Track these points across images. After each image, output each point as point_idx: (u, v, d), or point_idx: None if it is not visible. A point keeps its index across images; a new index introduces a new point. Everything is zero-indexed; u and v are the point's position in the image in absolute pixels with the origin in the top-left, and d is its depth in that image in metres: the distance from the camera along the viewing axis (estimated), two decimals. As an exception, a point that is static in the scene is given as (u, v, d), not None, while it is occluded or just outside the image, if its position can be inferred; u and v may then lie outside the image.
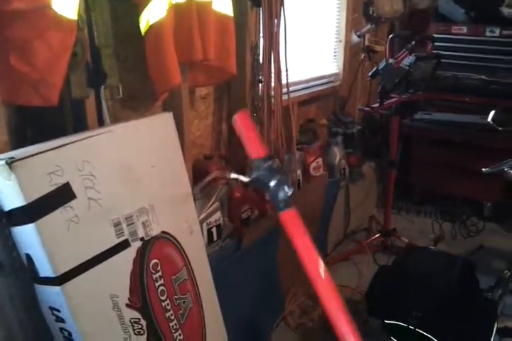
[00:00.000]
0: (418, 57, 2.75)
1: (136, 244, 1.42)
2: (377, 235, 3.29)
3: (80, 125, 1.50)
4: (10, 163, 1.15)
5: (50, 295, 1.23)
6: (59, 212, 1.23)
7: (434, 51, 3.17)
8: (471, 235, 3.49)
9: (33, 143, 1.33)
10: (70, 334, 1.26)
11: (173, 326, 1.49)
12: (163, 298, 1.47)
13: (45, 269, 1.21)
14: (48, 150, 1.24)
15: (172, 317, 1.50)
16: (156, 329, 1.43)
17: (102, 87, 1.58)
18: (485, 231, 3.52)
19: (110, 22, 1.55)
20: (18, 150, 1.27)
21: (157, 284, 1.46)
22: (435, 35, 3.27)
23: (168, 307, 1.49)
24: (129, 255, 1.39)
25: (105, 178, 1.36)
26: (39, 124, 1.42)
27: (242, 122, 1.20)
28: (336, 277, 2.72)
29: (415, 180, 3.73)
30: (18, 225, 1.20)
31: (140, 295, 1.40)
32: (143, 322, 1.40)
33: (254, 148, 1.17)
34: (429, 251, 2.60)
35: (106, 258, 1.32)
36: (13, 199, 1.17)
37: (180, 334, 1.51)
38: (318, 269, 1.03)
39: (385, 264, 2.93)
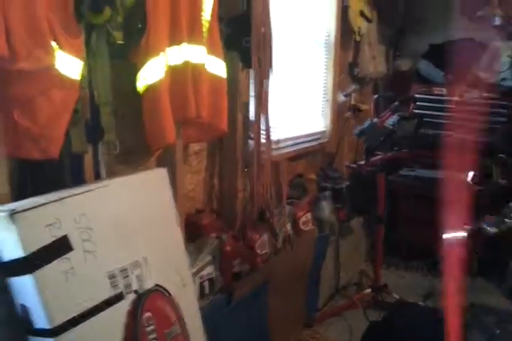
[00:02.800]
0: (401, 116, 2.89)
1: (130, 297, 1.43)
2: (368, 290, 3.28)
3: (77, 178, 1.55)
4: (11, 215, 1.18)
5: (44, 347, 1.22)
6: (56, 264, 1.25)
7: (416, 111, 3.32)
8: (460, 290, 3.48)
9: (33, 194, 1.37)
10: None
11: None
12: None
13: (40, 321, 1.21)
14: (47, 203, 1.28)
15: (163, 373, 1.48)
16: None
17: (100, 142, 1.64)
18: (473, 287, 3.52)
19: (110, 81, 1.64)
20: (18, 202, 1.31)
21: (150, 337, 1.45)
22: (417, 96, 3.44)
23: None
24: (123, 307, 1.40)
25: (101, 231, 1.39)
26: (39, 177, 1.46)
27: None
28: (327, 333, 2.70)
29: (403, 235, 3.77)
30: (15, 276, 1.21)
31: (129, 348, 1.39)
32: (133, 377, 1.38)
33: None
34: (418, 307, 2.60)
35: (101, 310, 1.33)
36: (13, 250, 1.20)
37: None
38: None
39: (375, 320, 2.92)
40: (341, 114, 3.42)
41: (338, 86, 3.31)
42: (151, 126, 1.71)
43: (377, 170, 3.08)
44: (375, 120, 2.95)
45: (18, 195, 1.39)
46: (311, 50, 3.08)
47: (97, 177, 1.62)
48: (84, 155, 1.58)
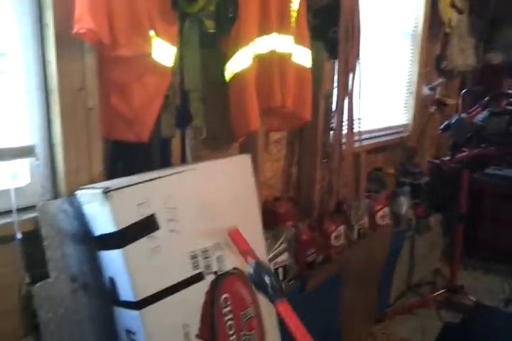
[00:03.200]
0: (492, 112, 2.75)
1: (210, 278, 1.48)
2: (443, 290, 3.18)
3: (165, 161, 1.63)
4: (106, 192, 1.26)
5: (129, 318, 1.30)
6: (144, 241, 1.32)
7: (508, 107, 3.15)
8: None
9: (123, 175, 1.45)
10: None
11: (237, 362, 1.52)
12: (230, 333, 1.51)
13: (126, 293, 1.29)
14: (138, 183, 1.35)
15: (237, 353, 1.52)
16: (221, 363, 1.46)
17: (188, 127, 1.71)
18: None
19: (199, 68, 1.69)
20: (111, 180, 1.39)
21: (226, 318, 1.50)
22: (510, 91, 3.26)
23: (235, 343, 1.52)
24: (202, 287, 1.45)
25: (186, 212, 1.44)
26: (130, 158, 1.54)
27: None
28: (398, 329, 2.65)
29: (484, 236, 3.61)
30: (106, 249, 1.30)
31: (209, 327, 1.44)
32: (210, 354, 1.43)
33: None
34: (500, 313, 2.48)
35: (181, 288, 1.39)
36: (105, 225, 1.28)
37: (243, 371, 1.53)
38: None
39: (450, 321, 2.83)
40: (425, 107, 3.31)
41: (423, 79, 3.21)
42: (237, 113, 1.75)
43: (462, 167, 2.96)
44: (463, 115, 2.83)
45: (111, 174, 1.48)
46: (397, 41, 3.00)
47: (183, 160, 1.69)
48: (173, 139, 1.65)
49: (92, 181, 1.40)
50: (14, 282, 1.26)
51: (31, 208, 1.30)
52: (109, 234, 1.28)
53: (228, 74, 1.72)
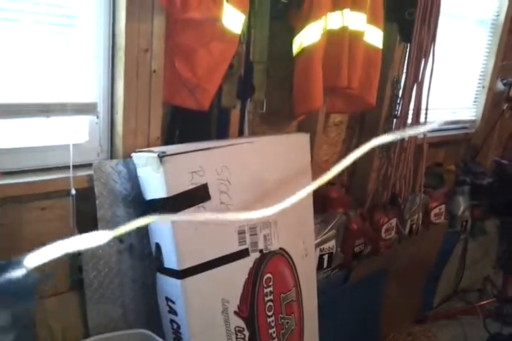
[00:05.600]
0: None
1: (255, 255, 1.44)
2: (492, 299, 3.02)
3: (222, 132, 1.58)
4: (161, 157, 1.23)
5: (170, 286, 1.28)
6: (193, 210, 1.28)
7: None
8: None
9: (179, 141, 1.42)
10: (178, 327, 1.29)
11: (273, 344, 1.48)
12: (269, 314, 1.46)
13: (171, 261, 1.26)
14: (194, 151, 1.31)
15: (274, 335, 1.48)
16: (258, 342, 1.43)
17: (249, 99, 1.65)
18: None
19: (267, 40, 1.64)
20: (167, 146, 1.36)
21: (266, 299, 1.46)
22: None
23: (272, 324, 1.47)
24: (246, 264, 1.41)
25: (239, 186, 1.40)
26: (188, 126, 1.51)
27: None
28: (439, 333, 2.52)
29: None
30: (157, 213, 1.26)
31: (249, 305, 1.40)
32: (246, 332, 1.40)
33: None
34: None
35: (225, 263, 1.35)
36: (157, 190, 1.25)
37: (279, 354, 1.49)
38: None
39: (497, 332, 2.69)
40: (496, 104, 3.12)
41: (499, 73, 3.02)
42: (300, 89, 1.68)
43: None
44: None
45: (167, 139, 1.45)
46: (473, 30, 2.82)
47: (240, 133, 1.64)
48: (232, 110, 1.61)
49: (149, 145, 1.38)
50: (64, 236, 1.25)
51: (87, 166, 1.29)
52: (160, 199, 1.25)
53: (296, 48, 1.65)
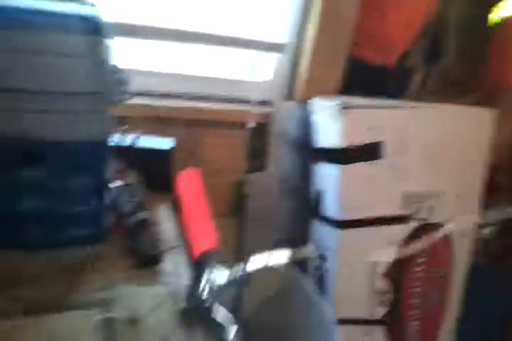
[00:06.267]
0: None
1: (415, 224, 1.39)
2: None
3: (399, 92, 1.54)
4: (342, 108, 1.23)
5: (325, 234, 1.30)
6: (364, 165, 1.28)
7: None
8: None
9: (357, 95, 1.40)
10: (324, 273, 1.32)
11: (413, 314, 1.44)
12: (416, 284, 1.43)
13: (331, 210, 1.28)
14: (375, 108, 1.29)
15: (416, 305, 1.44)
16: (399, 308, 1.41)
17: (434, 64, 1.57)
18: None
19: (468, 5, 1.53)
20: (349, 97, 1.35)
21: (416, 269, 1.42)
22: None
23: (417, 295, 1.44)
24: (404, 230, 1.38)
25: (413, 151, 1.35)
26: (366, 81, 1.48)
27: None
28: None
29: None
30: (325, 162, 1.29)
31: (398, 270, 1.38)
32: (389, 296, 1.38)
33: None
34: None
35: (384, 224, 1.34)
36: (332, 139, 1.26)
37: (417, 325, 1.45)
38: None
39: None
40: None
41: None
42: (496, 63, 1.56)
43: None
44: None
45: (345, 91, 1.44)
46: None
47: (419, 97, 1.58)
48: (415, 72, 1.54)
49: (328, 93, 1.39)
50: (235, 166, 1.34)
51: (266, 103, 1.35)
52: (333, 148, 1.26)
53: (496, 17, 1.52)
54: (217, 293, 0.47)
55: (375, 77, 1.49)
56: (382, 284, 1.36)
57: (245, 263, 0.49)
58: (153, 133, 1.07)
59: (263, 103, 1.37)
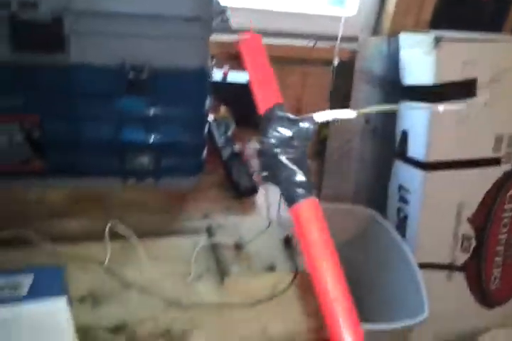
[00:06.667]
0: None
1: (506, 167, 1.32)
2: None
3: (494, 25, 1.42)
4: (436, 42, 1.14)
5: (409, 175, 1.26)
6: (456, 105, 1.20)
7: None
8: None
9: (447, 28, 1.31)
10: (405, 217, 1.29)
11: (496, 261, 1.40)
12: (502, 231, 1.37)
13: (417, 151, 1.23)
14: (469, 41, 1.20)
15: (500, 253, 1.39)
16: (481, 254, 1.36)
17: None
18: None
19: None
20: (440, 30, 1.26)
21: (504, 215, 1.36)
22: None
23: (502, 242, 1.39)
24: (494, 174, 1.31)
25: (507, 88, 1.25)
26: (458, 13, 1.37)
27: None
28: None
29: None
30: (414, 101, 1.22)
31: (484, 216, 1.33)
32: (473, 242, 1.34)
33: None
34: None
35: (472, 167, 1.27)
36: (423, 75, 1.19)
37: (499, 272, 1.41)
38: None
39: None
40: None
41: None
42: None
43: None
44: None
45: (436, 24, 1.34)
46: None
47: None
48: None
49: (417, 27, 1.30)
50: (317, 103, 1.30)
51: (351, 40, 1.28)
52: (424, 85, 1.19)
53: None
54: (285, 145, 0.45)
55: (469, 9, 1.38)
56: (466, 229, 1.32)
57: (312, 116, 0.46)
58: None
59: (348, 39, 1.30)
